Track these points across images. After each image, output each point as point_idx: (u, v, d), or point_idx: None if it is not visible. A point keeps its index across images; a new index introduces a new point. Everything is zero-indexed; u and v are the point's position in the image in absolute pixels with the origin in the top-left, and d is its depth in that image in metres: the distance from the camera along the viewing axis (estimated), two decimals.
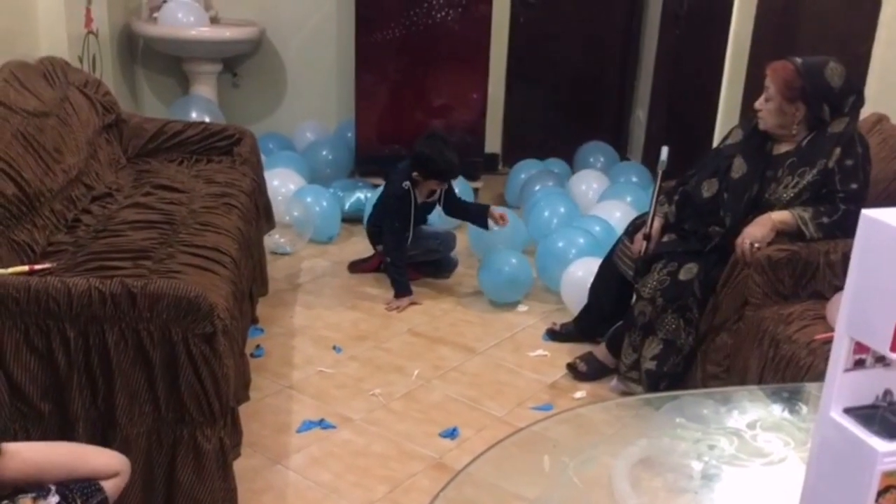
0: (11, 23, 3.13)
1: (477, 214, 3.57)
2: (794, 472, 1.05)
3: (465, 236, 3.88)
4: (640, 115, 5.22)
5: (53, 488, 1.45)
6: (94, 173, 3.00)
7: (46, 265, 2.25)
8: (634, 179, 4.43)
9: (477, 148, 4.64)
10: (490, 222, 3.51)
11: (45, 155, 2.68)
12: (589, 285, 3.13)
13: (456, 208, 3.61)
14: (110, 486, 1.56)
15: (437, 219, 3.76)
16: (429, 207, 3.61)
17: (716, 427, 1.17)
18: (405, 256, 3.50)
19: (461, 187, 3.92)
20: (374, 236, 3.67)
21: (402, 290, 3.45)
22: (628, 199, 4.05)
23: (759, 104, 2.58)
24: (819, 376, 2.05)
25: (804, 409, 1.28)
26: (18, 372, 1.88)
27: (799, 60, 2.51)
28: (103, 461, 1.58)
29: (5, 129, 2.54)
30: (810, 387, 1.42)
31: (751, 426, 1.16)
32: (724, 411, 1.22)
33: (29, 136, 2.63)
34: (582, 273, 3.25)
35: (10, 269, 2.12)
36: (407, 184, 3.43)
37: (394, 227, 3.46)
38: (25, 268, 2.18)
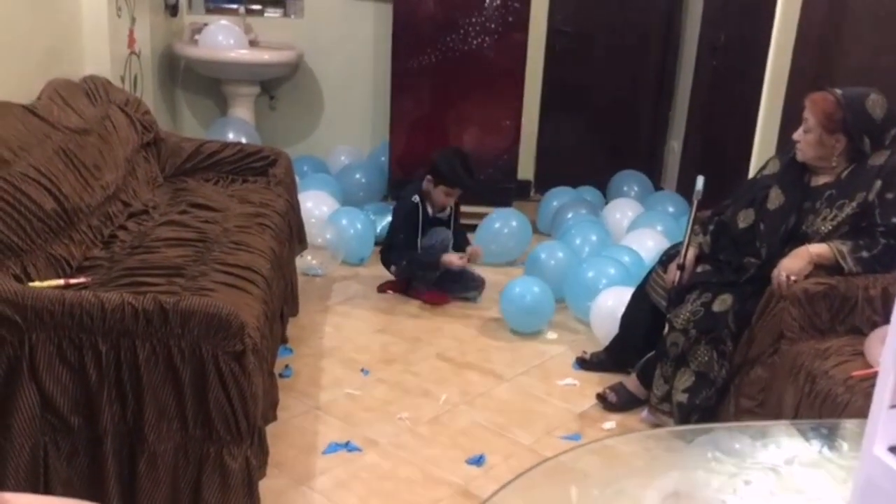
0: (57, 42, 3.20)
1: (459, 242, 3.77)
2: None
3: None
4: (675, 145, 5.20)
5: None
6: (132, 190, 3.05)
7: (82, 279, 2.27)
8: (671, 209, 4.40)
9: (510, 174, 4.64)
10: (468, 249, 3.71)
11: (85, 171, 2.72)
12: (618, 315, 3.10)
13: (457, 235, 3.79)
14: None
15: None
16: (438, 223, 3.70)
17: (752, 462, 1.14)
18: (426, 263, 3.62)
19: (517, 218, 4.14)
20: (385, 257, 3.77)
21: (432, 264, 3.59)
22: (659, 227, 4.02)
23: (797, 135, 2.55)
24: (857, 413, 2.01)
25: (844, 445, 1.24)
26: (50, 384, 1.90)
27: (839, 92, 2.48)
28: None
29: (47, 146, 2.59)
30: (850, 423, 1.38)
31: (788, 462, 1.13)
32: (759, 446, 1.19)
33: (70, 153, 2.68)
34: (612, 303, 3.22)
35: (47, 283, 2.15)
36: (416, 198, 3.60)
37: (399, 240, 3.64)
38: (61, 281, 2.21)
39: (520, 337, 3.41)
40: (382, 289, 3.75)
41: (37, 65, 3.02)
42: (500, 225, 4.11)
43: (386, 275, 3.85)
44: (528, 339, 3.41)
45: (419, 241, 3.63)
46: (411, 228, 3.62)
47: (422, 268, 3.63)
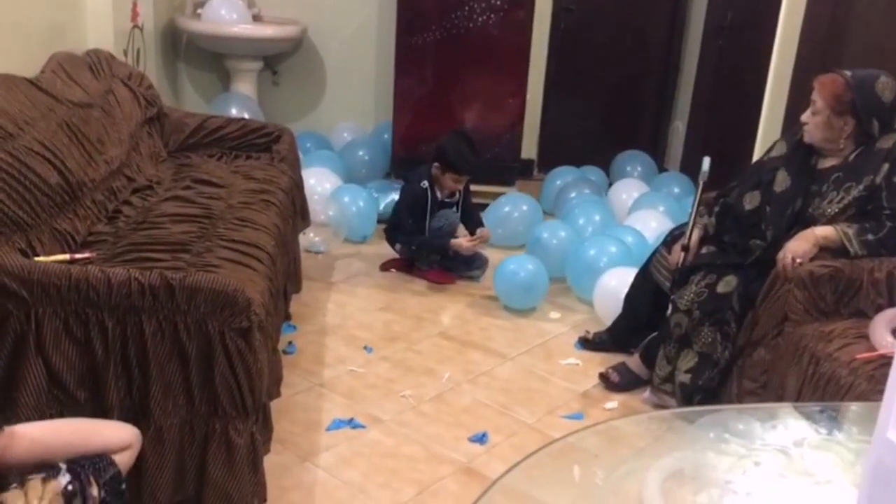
0: (61, 15, 3.18)
1: (472, 223, 3.77)
2: (844, 493, 1.02)
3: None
4: (679, 125, 5.18)
5: (64, 467, 1.41)
6: (136, 165, 3.03)
7: (87, 255, 2.27)
8: (676, 190, 4.40)
9: (513, 153, 4.62)
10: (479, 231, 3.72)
11: (89, 145, 2.71)
12: (622, 295, 3.10)
13: (468, 218, 3.79)
14: (122, 459, 1.51)
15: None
16: (447, 206, 3.69)
17: (760, 443, 1.14)
18: (432, 247, 3.64)
19: (527, 202, 4.14)
20: (391, 235, 3.77)
21: (442, 248, 3.61)
22: (661, 208, 4.02)
23: (805, 117, 2.53)
24: (861, 396, 2.02)
25: (853, 429, 1.25)
26: (57, 358, 1.90)
27: (848, 73, 2.47)
28: (113, 434, 1.53)
29: (51, 119, 2.57)
30: (855, 406, 1.39)
31: (797, 444, 1.14)
32: (767, 427, 1.19)
33: (73, 127, 2.67)
34: (615, 283, 3.22)
35: (52, 258, 2.15)
36: (425, 183, 3.59)
37: (407, 224, 3.65)
38: (66, 256, 2.21)
39: (522, 316, 3.42)
40: (386, 267, 3.75)
41: (40, 38, 2.99)
42: (510, 209, 4.08)
43: (389, 253, 3.85)
44: (530, 318, 3.41)
45: (427, 225, 3.63)
46: (420, 213, 3.64)
47: (432, 251, 3.64)
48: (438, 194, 3.66)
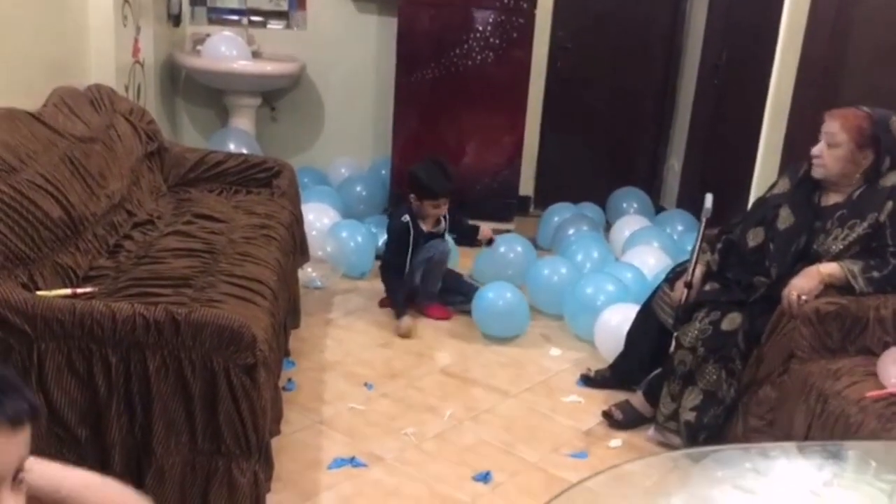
0: (64, 51, 3.18)
1: (469, 232, 3.76)
2: None
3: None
4: (675, 163, 5.21)
5: None
6: (136, 200, 3.02)
7: (89, 289, 2.24)
8: (680, 228, 4.39)
9: (511, 189, 4.63)
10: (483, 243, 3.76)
11: (90, 180, 2.70)
12: (623, 332, 3.09)
13: (460, 229, 3.78)
14: None
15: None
16: (435, 237, 3.64)
17: (791, 484, 1.12)
18: (399, 284, 3.60)
19: (521, 243, 4.04)
20: (382, 274, 3.74)
21: (399, 314, 3.54)
22: (655, 244, 4.02)
23: (817, 151, 2.53)
24: (871, 434, 2.00)
25: (875, 467, 1.23)
26: (58, 395, 1.87)
27: (867, 109, 2.50)
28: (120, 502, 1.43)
29: (53, 153, 2.57)
30: (875, 444, 1.37)
31: (827, 485, 1.12)
32: (798, 465, 1.17)
33: (75, 161, 2.66)
34: (617, 320, 3.21)
35: (54, 292, 2.12)
36: (406, 217, 3.55)
37: (388, 261, 3.65)
38: (68, 291, 2.18)
39: (523, 353, 3.39)
40: (384, 303, 3.72)
41: (43, 73, 3.00)
42: (506, 249, 3.97)
43: None
44: (531, 354, 3.39)
45: (408, 260, 3.56)
46: (402, 248, 3.57)
47: (397, 296, 3.59)
48: (423, 227, 3.59)
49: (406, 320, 3.49)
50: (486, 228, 3.76)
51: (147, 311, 1.87)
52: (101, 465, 1.92)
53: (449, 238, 3.73)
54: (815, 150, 2.54)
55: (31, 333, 1.83)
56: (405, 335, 3.43)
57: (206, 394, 1.92)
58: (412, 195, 3.58)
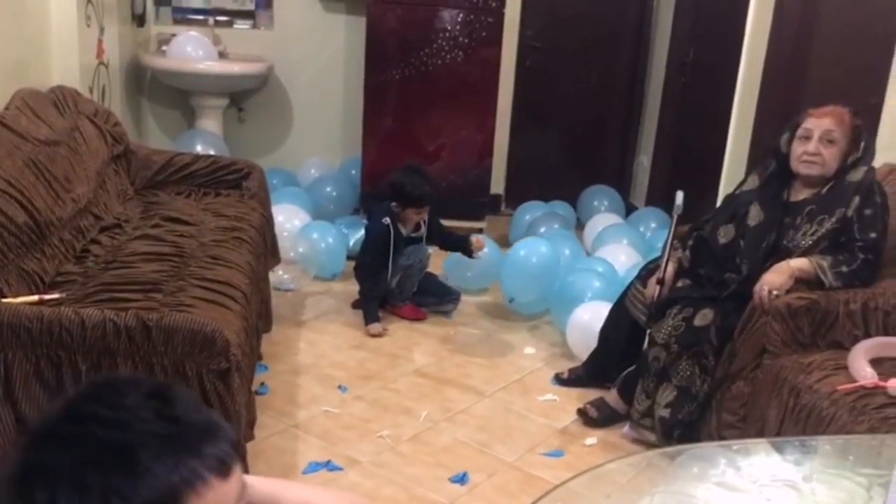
0: (25, 52, 3.11)
1: (460, 244, 3.68)
2: None
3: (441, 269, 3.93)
4: (644, 160, 5.24)
5: None
6: (103, 203, 2.97)
7: (56, 295, 2.20)
8: (653, 225, 4.42)
9: (482, 188, 4.63)
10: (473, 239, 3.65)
11: (56, 184, 2.65)
12: (595, 329, 3.10)
13: (441, 238, 3.72)
14: None
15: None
16: (416, 241, 3.62)
17: (770, 479, 1.13)
18: (377, 289, 3.57)
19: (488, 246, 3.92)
20: (357, 274, 3.69)
21: (370, 319, 3.49)
22: (625, 241, 4.05)
23: (815, 149, 2.53)
24: (843, 427, 2.02)
25: (852, 461, 1.24)
26: (26, 404, 1.83)
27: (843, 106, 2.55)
28: None
29: (17, 157, 2.51)
30: (848, 439, 1.38)
31: (807, 479, 1.12)
32: (774, 462, 1.18)
33: (40, 165, 2.60)
34: (588, 316, 3.22)
35: (20, 299, 2.07)
36: (387, 220, 3.51)
37: (365, 262, 3.58)
38: (35, 297, 2.13)
39: (498, 353, 3.39)
40: (357, 304, 3.70)
41: (4, 74, 2.93)
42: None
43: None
44: (506, 354, 3.39)
45: (390, 263, 3.53)
46: (382, 251, 3.52)
47: (371, 303, 3.55)
48: (403, 231, 3.56)
49: (376, 327, 3.47)
50: (477, 239, 3.64)
51: (117, 317, 1.84)
52: None
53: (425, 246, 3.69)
54: (810, 149, 2.53)
55: None
56: (376, 335, 3.43)
57: None
58: (393, 203, 3.52)
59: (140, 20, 4.58)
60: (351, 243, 4.13)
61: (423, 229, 3.65)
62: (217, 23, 4.83)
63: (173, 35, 4.61)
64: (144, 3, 4.61)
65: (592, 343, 3.12)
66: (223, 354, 1.90)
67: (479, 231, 4.41)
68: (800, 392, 2.23)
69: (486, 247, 3.67)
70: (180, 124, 4.88)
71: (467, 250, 3.63)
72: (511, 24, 4.78)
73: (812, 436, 2.03)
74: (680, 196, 2.77)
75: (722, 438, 2.50)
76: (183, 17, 4.86)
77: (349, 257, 4.05)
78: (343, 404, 2.89)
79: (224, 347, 1.90)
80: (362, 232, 4.17)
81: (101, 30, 3.74)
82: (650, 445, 2.69)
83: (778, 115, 3.50)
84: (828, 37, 3.62)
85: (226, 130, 4.81)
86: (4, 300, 2.01)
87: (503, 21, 4.41)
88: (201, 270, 2.49)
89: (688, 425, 2.61)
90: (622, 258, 3.87)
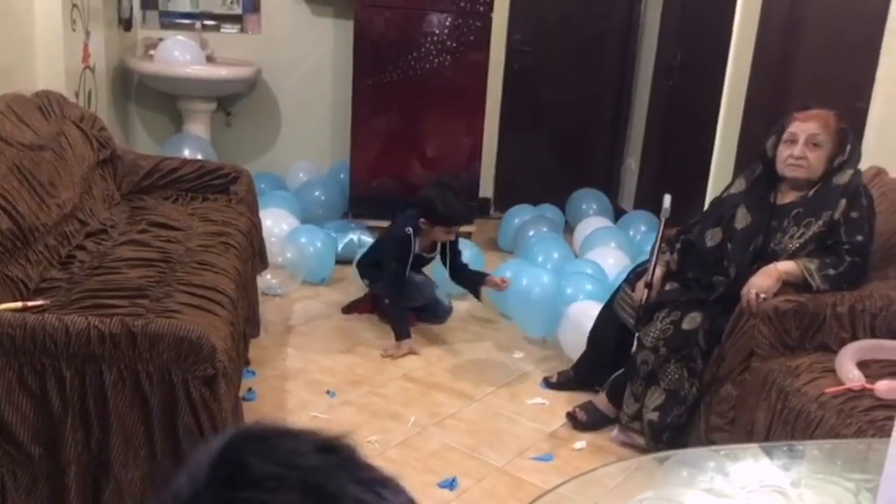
0: (10, 56, 3.09)
1: (473, 282, 3.52)
2: None
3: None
4: (632, 163, 5.25)
5: None
6: (89, 209, 2.95)
7: (40, 302, 2.18)
8: (643, 228, 4.42)
9: (471, 192, 4.62)
10: (483, 290, 3.50)
11: (40, 189, 2.63)
12: (584, 329, 3.11)
13: (454, 267, 3.54)
14: None
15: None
16: (424, 262, 3.54)
17: (759, 485, 1.13)
18: (405, 299, 3.45)
19: (471, 251, 3.84)
20: (366, 272, 3.63)
21: (402, 334, 3.35)
22: (612, 244, 4.06)
23: (799, 153, 2.53)
24: (830, 430, 2.03)
25: (839, 466, 1.24)
26: (9, 412, 1.82)
27: (827, 109, 2.56)
28: None
29: (1, 163, 2.48)
30: (836, 443, 1.38)
31: (795, 484, 1.12)
32: (765, 466, 1.17)
33: (24, 170, 2.58)
34: (577, 317, 3.22)
35: (4, 305, 2.05)
36: (409, 229, 3.38)
37: (392, 268, 3.40)
38: (19, 304, 2.11)
39: (487, 357, 3.39)
40: (348, 310, 3.68)
41: None
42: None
43: (349, 295, 3.80)
44: (495, 358, 3.38)
45: (406, 274, 3.42)
46: (402, 258, 3.40)
47: (400, 313, 3.42)
48: (416, 246, 3.42)
49: (408, 343, 3.33)
50: (503, 279, 3.41)
51: (102, 324, 1.82)
52: (56, 482, 1.87)
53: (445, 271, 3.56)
54: (796, 152, 2.53)
55: None
56: (409, 353, 3.31)
57: (164, 407, 1.88)
58: (422, 220, 3.38)
59: (127, 24, 4.56)
60: (340, 248, 4.11)
61: (437, 252, 3.51)
62: (204, 27, 4.81)
63: (160, 39, 4.59)
64: (131, 8, 4.59)
65: (582, 341, 3.12)
66: (209, 361, 1.88)
67: (468, 236, 4.40)
68: (788, 395, 2.23)
69: (508, 284, 3.41)
70: (168, 128, 4.86)
71: (476, 290, 3.49)
72: (499, 28, 4.78)
73: (800, 440, 2.04)
74: (667, 199, 2.77)
75: (711, 442, 2.51)
76: (170, 21, 4.83)
77: (338, 261, 4.05)
78: (331, 410, 2.87)
79: (210, 353, 1.89)
80: (350, 236, 4.17)
81: (87, 34, 3.72)
82: (639, 449, 2.69)
83: (765, 119, 3.52)
84: (814, 41, 3.63)
85: (213, 134, 4.79)
86: None
87: (491, 25, 4.41)
88: (188, 276, 2.47)
89: (676, 428, 2.61)
90: (611, 261, 3.87)
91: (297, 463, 0.63)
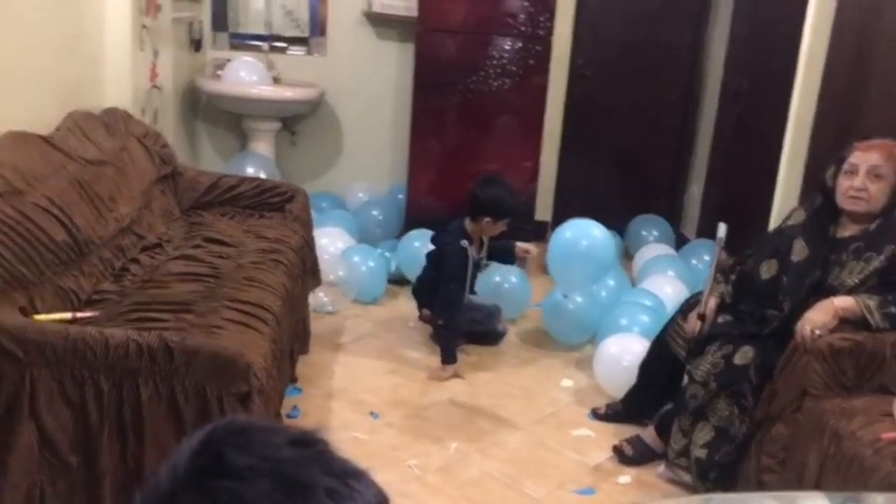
0: (80, 74, 3.21)
1: (508, 254, 3.62)
2: None
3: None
4: (695, 190, 5.14)
5: None
6: (147, 223, 3.02)
7: (89, 314, 2.24)
8: (706, 258, 4.30)
9: (527, 215, 4.59)
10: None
11: (99, 203, 2.71)
12: (622, 362, 3.05)
13: (496, 254, 3.62)
14: None
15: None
16: (480, 267, 3.56)
17: None
18: (460, 322, 3.41)
19: (517, 275, 3.92)
20: (422, 296, 3.61)
21: (449, 358, 3.33)
22: (671, 273, 3.96)
23: (860, 184, 2.43)
24: (885, 478, 1.92)
25: None
26: (50, 422, 1.86)
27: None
28: None
29: (62, 176, 2.57)
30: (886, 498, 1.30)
31: None
32: None
33: (84, 184, 2.66)
34: (615, 349, 3.14)
35: (54, 316, 2.11)
36: (465, 242, 3.39)
37: (449, 288, 3.36)
38: (68, 315, 2.17)
39: (535, 384, 3.33)
40: (423, 318, 3.67)
41: (58, 96, 3.02)
42: (500, 279, 3.82)
43: (400, 314, 3.79)
44: (543, 385, 3.33)
45: (468, 286, 3.43)
46: (462, 276, 3.39)
47: (449, 338, 3.39)
48: (473, 254, 3.43)
49: (452, 369, 3.31)
50: (520, 246, 3.60)
51: (140, 338, 1.86)
52: (92, 492, 1.90)
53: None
54: (857, 184, 2.42)
55: (22, 359, 1.82)
56: (454, 377, 3.30)
57: (198, 422, 1.89)
58: (487, 218, 3.37)
59: (197, 45, 4.70)
60: (393, 267, 4.12)
61: (484, 251, 3.52)
62: (272, 48, 4.92)
63: (228, 60, 4.71)
64: (201, 30, 4.72)
65: (618, 376, 3.05)
66: (244, 378, 1.90)
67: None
68: (841, 438, 2.12)
69: (533, 253, 3.64)
70: (233, 147, 4.98)
71: (511, 258, 3.62)
72: (562, 52, 4.76)
73: (853, 487, 1.94)
74: (722, 228, 2.69)
75: (760, 482, 2.41)
76: (239, 42, 4.96)
77: (390, 281, 4.06)
78: (373, 431, 2.87)
79: (245, 371, 1.90)
80: (407, 255, 4.16)
81: (156, 54, 3.84)
82: (686, 487, 2.60)
83: (832, 149, 3.38)
84: (884, 71, 3.50)
85: (278, 153, 4.88)
86: (37, 317, 2.06)
87: (551, 49, 4.38)
88: (235, 292, 2.51)
89: (724, 467, 2.52)
90: (668, 290, 3.78)
91: (271, 454, 0.68)
